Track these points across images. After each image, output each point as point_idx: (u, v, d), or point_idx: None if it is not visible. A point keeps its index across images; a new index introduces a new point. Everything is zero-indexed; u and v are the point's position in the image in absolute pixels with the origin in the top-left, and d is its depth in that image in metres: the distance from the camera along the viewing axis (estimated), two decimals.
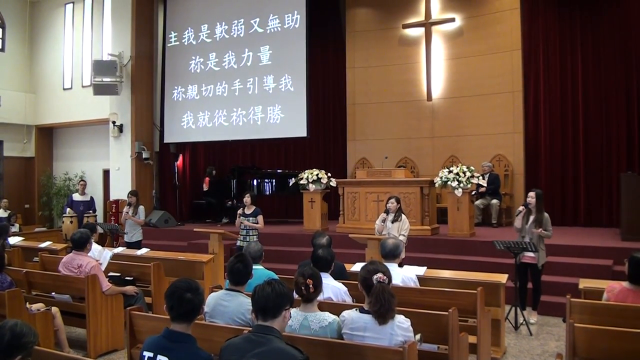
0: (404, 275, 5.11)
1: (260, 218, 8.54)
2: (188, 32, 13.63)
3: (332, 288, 4.44)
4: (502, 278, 5.64)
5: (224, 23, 13.17)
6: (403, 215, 7.60)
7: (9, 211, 12.27)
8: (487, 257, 8.43)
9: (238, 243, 8.58)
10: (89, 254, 6.20)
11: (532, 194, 7.01)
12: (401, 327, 3.43)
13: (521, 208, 7.00)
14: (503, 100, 11.65)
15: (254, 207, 8.58)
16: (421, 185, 9.63)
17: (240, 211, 8.61)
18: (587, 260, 7.99)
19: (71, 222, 11.87)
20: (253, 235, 8.50)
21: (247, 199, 8.60)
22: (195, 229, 9.43)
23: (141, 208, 9.67)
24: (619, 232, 9.31)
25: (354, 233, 8.19)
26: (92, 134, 15.14)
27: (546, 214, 6.97)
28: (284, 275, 4.80)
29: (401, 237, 7.19)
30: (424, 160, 12.60)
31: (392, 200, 7.62)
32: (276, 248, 9.88)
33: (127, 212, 9.54)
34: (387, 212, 7.62)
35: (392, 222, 7.52)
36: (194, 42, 13.54)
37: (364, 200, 10.08)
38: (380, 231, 7.57)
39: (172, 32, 13.83)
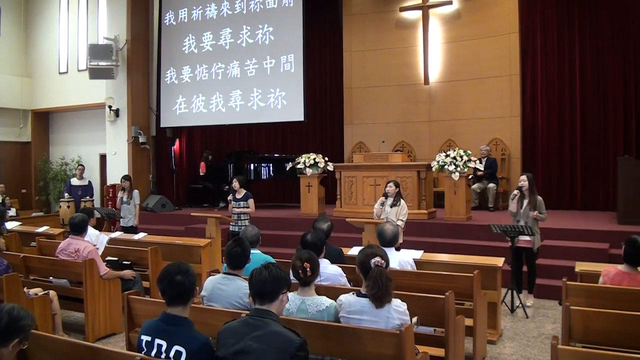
0: (401, 259, 5.12)
1: (251, 202, 8.52)
2: (183, 12, 13.49)
3: (326, 275, 4.45)
4: (499, 261, 5.67)
5: (220, 2, 13.07)
6: (402, 201, 7.56)
7: (3, 195, 12.24)
8: (484, 240, 8.46)
9: (230, 228, 8.55)
10: (86, 239, 6.21)
11: (523, 177, 7.05)
12: (398, 310, 3.45)
13: (515, 192, 7.01)
14: (500, 84, 11.61)
15: (244, 192, 8.56)
16: (418, 170, 9.63)
17: (230, 196, 8.59)
18: (584, 244, 8.02)
19: (68, 206, 11.85)
20: (245, 219, 8.49)
21: (235, 183, 8.56)
22: (192, 213, 9.43)
23: (135, 192, 9.66)
24: (615, 215, 9.35)
25: (351, 217, 8.20)
26: (88, 119, 15.05)
27: (539, 197, 7.01)
28: (281, 259, 4.81)
29: (399, 222, 7.19)
30: (421, 144, 12.59)
31: (391, 184, 7.57)
32: (273, 232, 9.92)
33: (122, 197, 9.55)
34: (385, 195, 7.58)
35: (391, 207, 7.48)
36: (190, 22, 13.40)
37: (361, 185, 10.09)
38: (378, 215, 7.53)
39: (169, 12, 13.68)
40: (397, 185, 7.59)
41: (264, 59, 12.42)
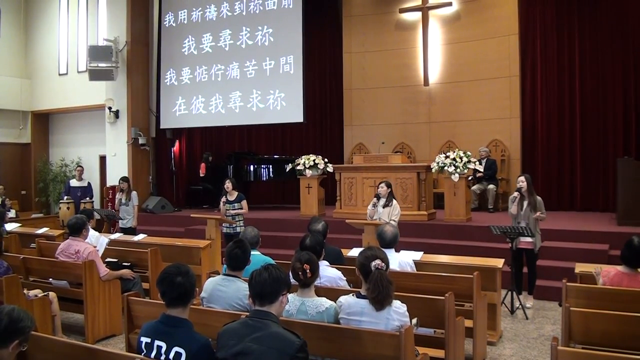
0: (400, 260, 5.13)
1: (244, 203, 8.52)
2: (183, 13, 13.49)
3: (326, 277, 4.45)
4: (499, 263, 5.68)
5: (219, 3, 13.07)
6: (394, 201, 7.61)
7: (3, 197, 12.22)
8: (484, 242, 8.45)
9: (224, 230, 8.51)
10: (86, 240, 6.21)
11: (521, 178, 7.06)
12: (398, 312, 3.44)
13: (516, 194, 7.01)
14: (500, 85, 11.62)
15: (236, 193, 8.53)
16: (418, 171, 9.63)
17: (223, 198, 8.55)
18: (583, 245, 8.02)
19: (68, 208, 11.84)
20: (239, 221, 8.49)
21: (228, 184, 8.52)
22: (192, 215, 9.41)
23: (134, 193, 9.69)
24: (615, 216, 9.34)
25: (350, 218, 8.20)
26: (88, 120, 15.04)
27: (539, 198, 7.01)
28: (280, 261, 4.81)
29: (391, 223, 7.19)
30: (421, 145, 12.59)
31: (382, 184, 7.63)
32: (273, 234, 9.91)
33: (120, 199, 9.57)
34: (378, 196, 7.61)
35: (383, 207, 7.53)
36: (189, 23, 13.40)
37: (360, 186, 10.08)
38: (371, 216, 7.59)
39: (169, 13, 13.68)
40: (388, 185, 7.64)
41: (263, 60, 12.42)
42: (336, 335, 3.41)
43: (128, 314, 4.06)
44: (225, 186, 8.55)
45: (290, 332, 2.82)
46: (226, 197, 8.50)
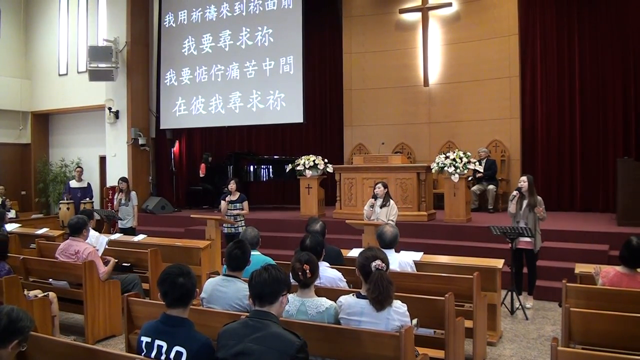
0: (401, 260, 5.13)
1: (245, 204, 8.56)
2: (183, 14, 13.49)
3: (326, 278, 4.45)
4: (498, 263, 5.68)
5: (219, 4, 13.07)
6: (391, 201, 7.66)
7: (3, 197, 12.22)
8: (484, 242, 8.45)
9: (225, 230, 8.52)
10: (86, 241, 6.20)
11: (523, 178, 7.06)
12: (398, 312, 3.44)
13: (515, 193, 7.02)
14: (500, 86, 11.62)
15: (238, 194, 8.57)
16: (418, 171, 9.63)
17: (227, 198, 8.56)
18: (583, 245, 8.02)
19: (68, 208, 11.85)
20: (241, 221, 8.51)
21: (232, 185, 8.55)
22: (192, 215, 9.41)
23: (133, 194, 9.71)
24: (614, 217, 9.35)
25: (350, 219, 8.20)
26: (88, 120, 15.05)
27: (539, 198, 7.01)
28: (280, 261, 4.81)
29: (390, 223, 7.20)
30: (421, 146, 12.59)
31: (379, 185, 7.68)
32: (273, 234, 9.91)
33: (120, 199, 9.57)
34: (375, 197, 7.64)
35: (381, 208, 7.57)
36: (189, 24, 13.41)
37: (360, 186, 10.08)
38: (369, 216, 7.62)
39: (169, 14, 13.68)
40: (385, 186, 7.71)
41: (263, 60, 12.42)
42: (336, 335, 3.40)
43: (128, 314, 4.06)
44: (229, 186, 8.58)
45: (291, 333, 2.82)
46: (229, 197, 8.52)
